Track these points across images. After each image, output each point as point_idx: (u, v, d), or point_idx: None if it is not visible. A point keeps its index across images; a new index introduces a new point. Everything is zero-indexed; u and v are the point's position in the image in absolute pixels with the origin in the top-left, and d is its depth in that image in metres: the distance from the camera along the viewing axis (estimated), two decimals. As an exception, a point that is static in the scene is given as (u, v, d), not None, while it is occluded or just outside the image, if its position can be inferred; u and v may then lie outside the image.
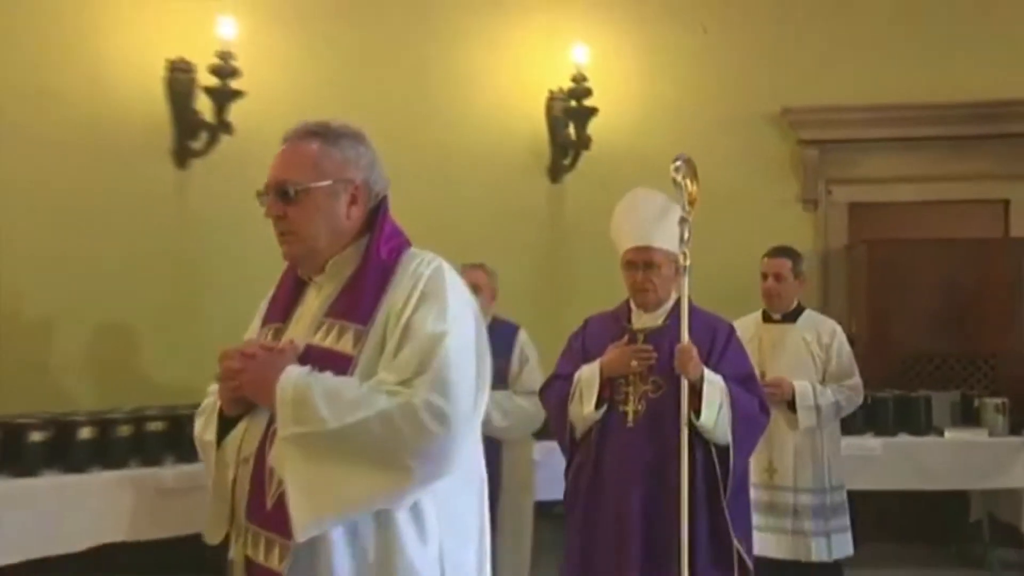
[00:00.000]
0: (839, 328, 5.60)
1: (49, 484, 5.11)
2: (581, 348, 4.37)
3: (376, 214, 2.46)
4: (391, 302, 2.30)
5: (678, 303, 4.16)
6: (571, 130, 7.77)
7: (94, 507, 5.21)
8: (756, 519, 5.01)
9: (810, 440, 5.37)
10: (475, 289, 5.03)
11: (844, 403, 5.42)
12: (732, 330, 4.26)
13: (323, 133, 2.45)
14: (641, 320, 4.27)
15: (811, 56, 8.00)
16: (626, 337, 4.20)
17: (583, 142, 7.76)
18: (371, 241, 2.41)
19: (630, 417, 4.06)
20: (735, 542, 3.95)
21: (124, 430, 5.46)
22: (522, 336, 5.71)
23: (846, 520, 5.44)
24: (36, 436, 5.15)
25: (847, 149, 8.08)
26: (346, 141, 2.45)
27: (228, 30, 6.49)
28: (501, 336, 5.26)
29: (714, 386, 3.95)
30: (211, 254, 6.83)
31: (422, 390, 2.13)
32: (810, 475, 5.35)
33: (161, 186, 6.78)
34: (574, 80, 7.66)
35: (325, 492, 2.13)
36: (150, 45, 6.63)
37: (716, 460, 3.98)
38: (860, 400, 5.58)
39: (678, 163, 4.18)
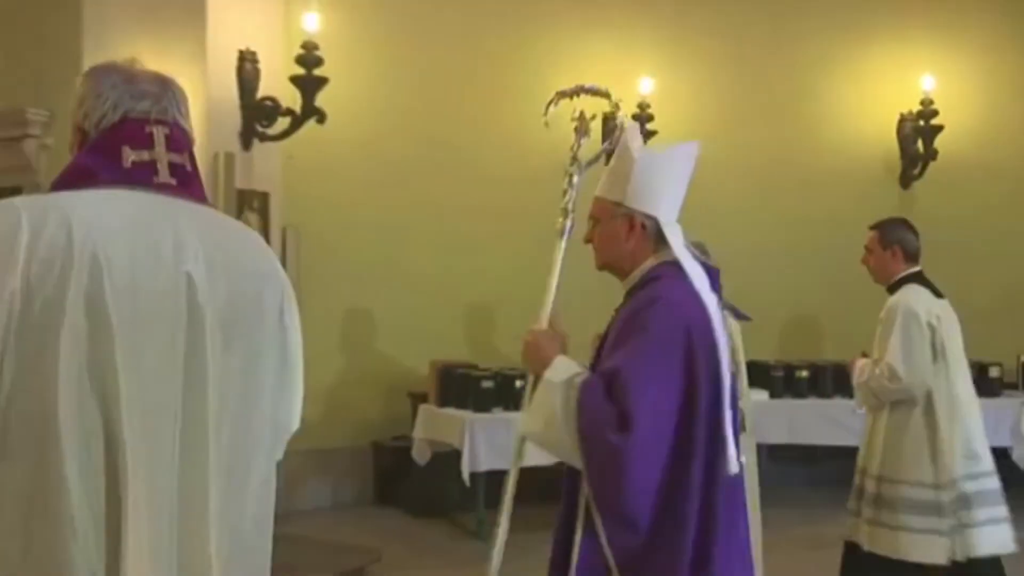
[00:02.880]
0: (902, 305, 4.27)
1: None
2: None
3: None
4: None
5: (653, 272, 2.56)
6: (919, 145, 8.30)
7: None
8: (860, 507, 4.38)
9: (892, 424, 4.28)
10: None
11: (874, 386, 4.27)
12: (648, 307, 2.44)
13: None
14: None
15: None
16: None
17: (931, 155, 8.29)
18: None
19: None
20: None
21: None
22: None
23: (933, 522, 4.13)
24: (486, 384, 6.66)
25: None
26: (77, 88, 1.79)
27: (647, 87, 7.85)
28: None
29: (552, 387, 2.41)
30: None
31: None
32: (879, 462, 4.30)
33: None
34: (922, 103, 8.23)
35: None
36: (588, 100, 7.91)
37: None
38: (892, 387, 4.19)
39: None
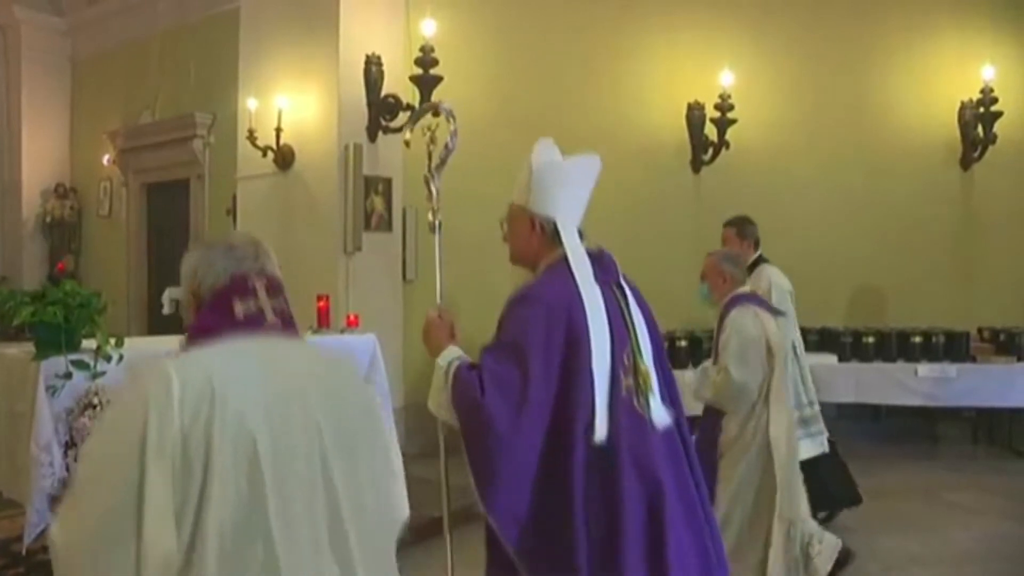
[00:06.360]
0: (774, 282, 4.92)
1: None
2: None
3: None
4: None
5: (547, 267, 2.56)
6: (979, 130, 7.91)
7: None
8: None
9: None
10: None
11: None
12: (516, 301, 2.47)
13: None
14: None
15: None
16: None
17: (990, 139, 7.89)
18: None
19: None
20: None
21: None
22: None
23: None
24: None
25: None
26: (188, 262, 1.86)
27: (728, 80, 7.61)
28: None
29: (439, 369, 2.48)
30: (714, 227, 7.70)
31: None
32: None
33: (684, 185, 8.03)
34: (982, 92, 7.84)
35: None
36: (675, 92, 7.89)
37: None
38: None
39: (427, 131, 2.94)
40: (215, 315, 1.76)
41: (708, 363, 4.12)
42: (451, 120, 2.96)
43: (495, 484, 2.29)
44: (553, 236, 2.53)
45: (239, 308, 1.76)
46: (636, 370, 2.43)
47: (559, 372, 2.32)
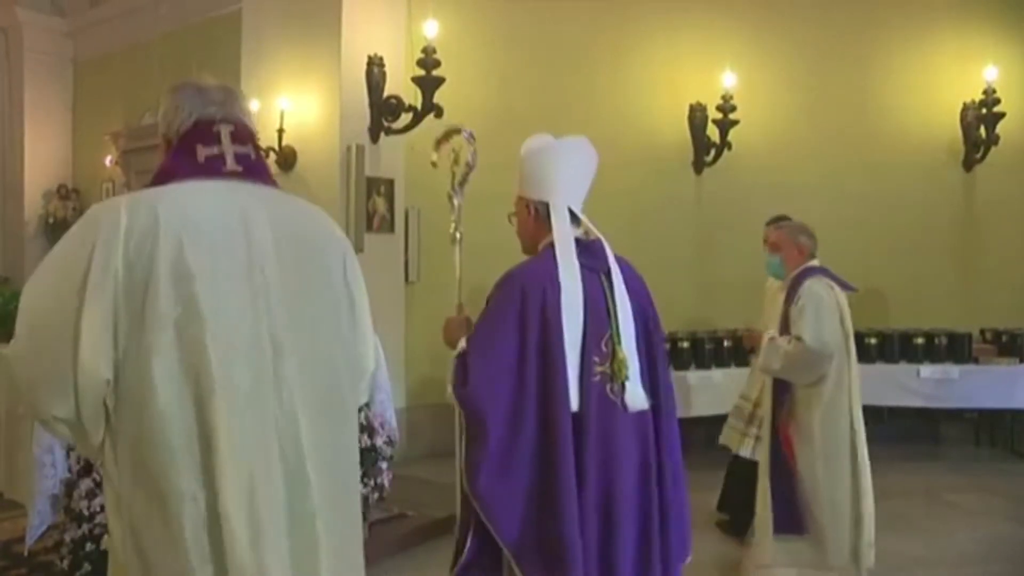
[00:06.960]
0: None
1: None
2: None
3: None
4: None
5: (540, 251, 2.62)
6: (981, 131, 7.88)
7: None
8: None
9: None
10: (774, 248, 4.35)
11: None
12: (497, 283, 2.54)
13: None
14: None
15: None
16: None
17: (992, 140, 7.86)
18: None
19: None
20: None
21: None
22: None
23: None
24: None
25: None
26: (161, 105, 1.87)
27: (730, 81, 7.61)
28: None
29: (452, 361, 2.54)
30: (716, 228, 7.89)
31: None
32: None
33: (686, 186, 8.00)
34: (985, 93, 7.81)
35: None
36: (677, 94, 7.87)
37: None
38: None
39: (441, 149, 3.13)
40: (177, 158, 1.78)
41: (773, 333, 4.03)
42: (471, 142, 3.15)
43: (479, 464, 2.31)
44: (547, 220, 2.58)
45: (201, 153, 1.77)
46: (614, 356, 2.47)
47: (538, 351, 2.38)
